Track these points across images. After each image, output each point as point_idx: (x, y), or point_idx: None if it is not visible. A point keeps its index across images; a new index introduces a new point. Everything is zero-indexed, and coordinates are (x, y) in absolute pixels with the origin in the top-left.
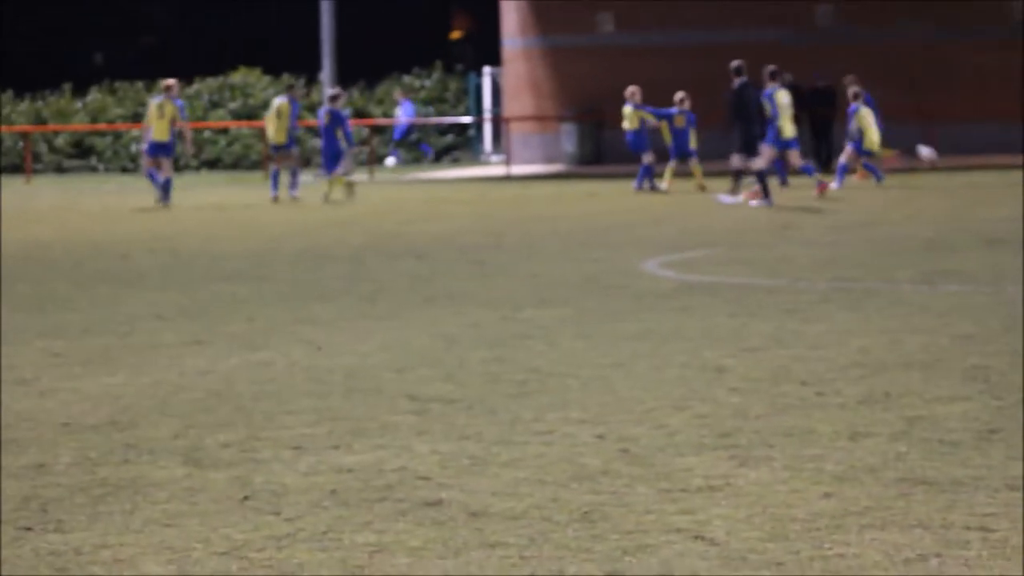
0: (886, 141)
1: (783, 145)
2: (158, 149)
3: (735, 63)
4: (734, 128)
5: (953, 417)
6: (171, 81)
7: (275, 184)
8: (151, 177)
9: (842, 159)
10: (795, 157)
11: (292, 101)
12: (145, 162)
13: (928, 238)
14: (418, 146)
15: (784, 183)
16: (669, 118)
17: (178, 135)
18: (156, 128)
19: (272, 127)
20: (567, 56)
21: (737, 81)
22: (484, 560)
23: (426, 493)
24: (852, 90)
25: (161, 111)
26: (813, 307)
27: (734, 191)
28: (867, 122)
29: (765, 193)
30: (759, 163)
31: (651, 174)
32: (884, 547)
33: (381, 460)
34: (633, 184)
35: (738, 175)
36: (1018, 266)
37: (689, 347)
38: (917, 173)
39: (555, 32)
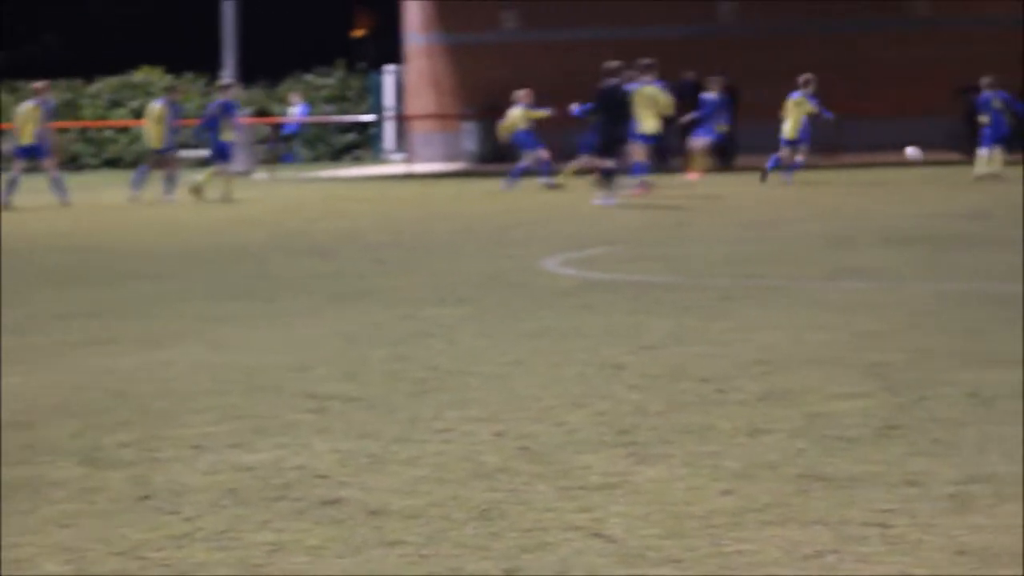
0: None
1: (636, 138)
2: (27, 153)
3: (610, 64)
4: (595, 129)
5: (852, 413)
6: (40, 84)
7: (138, 183)
8: (12, 182)
9: (779, 155)
10: (637, 153)
11: (171, 104)
12: (15, 165)
13: (831, 235)
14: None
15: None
16: (585, 114)
17: (44, 135)
18: (24, 132)
19: (151, 131)
20: (469, 53)
21: (606, 82)
22: (382, 558)
23: (325, 491)
24: (803, 77)
25: (32, 115)
26: (715, 304)
27: (607, 192)
28: (791, 112)
29: (644, 185)
30: (610, 163)
31: (525, 173)
32: (782, 543)
33: (281, 459)
34: (504, 183)
35: (608, 175)
36: (919, 263)
37: (589, 344)
38: (821, 170)
39: (457, 29)
